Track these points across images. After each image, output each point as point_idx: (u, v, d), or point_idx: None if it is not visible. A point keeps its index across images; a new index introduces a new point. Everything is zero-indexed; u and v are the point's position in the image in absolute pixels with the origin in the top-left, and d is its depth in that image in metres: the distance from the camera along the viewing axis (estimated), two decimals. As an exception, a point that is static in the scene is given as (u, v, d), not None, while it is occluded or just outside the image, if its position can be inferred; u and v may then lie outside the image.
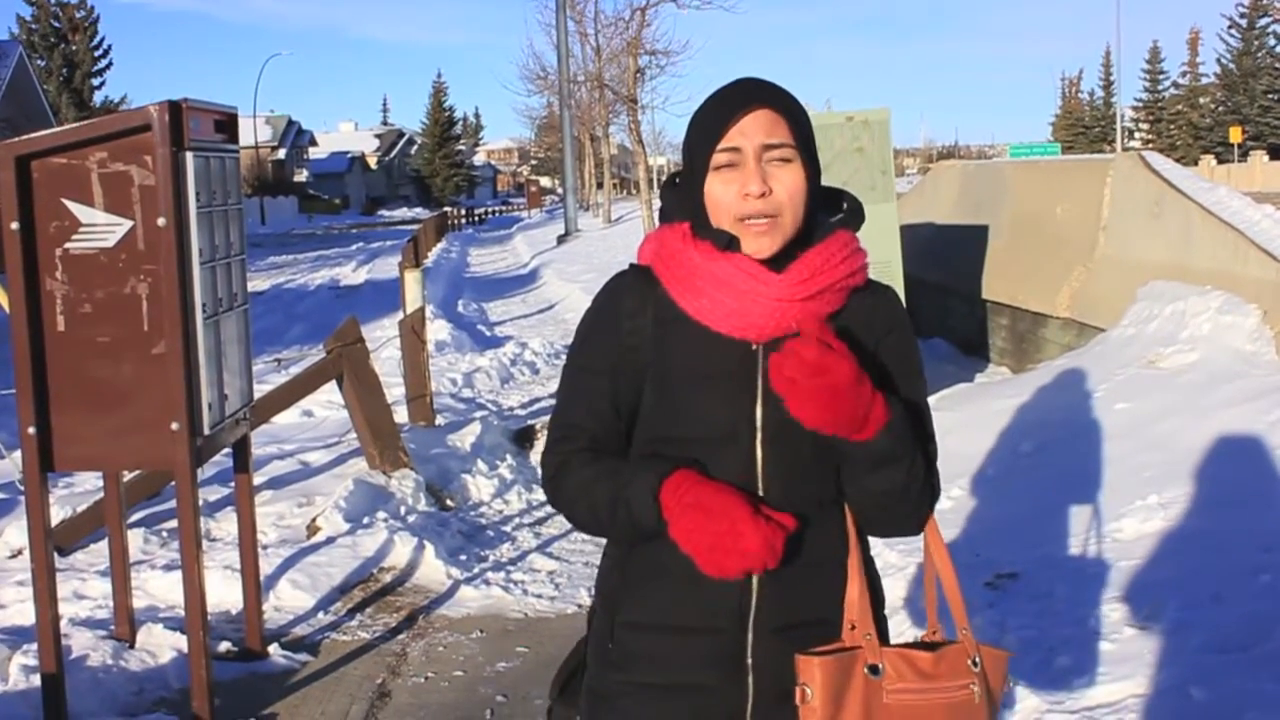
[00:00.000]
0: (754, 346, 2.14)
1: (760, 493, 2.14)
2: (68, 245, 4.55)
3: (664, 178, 2.33)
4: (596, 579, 2.35)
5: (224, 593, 6.00)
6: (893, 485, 2.12)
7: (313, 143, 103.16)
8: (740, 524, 2.00)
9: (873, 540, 2.33)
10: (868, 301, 2.23)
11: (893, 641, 2.21)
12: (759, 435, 2.14)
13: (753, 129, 2.09)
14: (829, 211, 2.21)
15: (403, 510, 7.48)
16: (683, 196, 2.21)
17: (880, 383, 2.14)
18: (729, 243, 2.12)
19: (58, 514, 6.88)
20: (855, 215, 2.24)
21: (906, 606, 5.14)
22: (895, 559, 5.56)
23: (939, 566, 2.28)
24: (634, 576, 2.22)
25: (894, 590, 5.29)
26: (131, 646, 5.39)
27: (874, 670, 2.10)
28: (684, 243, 2.16)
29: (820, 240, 2.16)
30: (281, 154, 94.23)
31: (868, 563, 2.24)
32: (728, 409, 2.14)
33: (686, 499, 2.03)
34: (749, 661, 2.16)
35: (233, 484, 5.94)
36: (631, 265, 2.28)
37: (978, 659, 2.18)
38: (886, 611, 4.90)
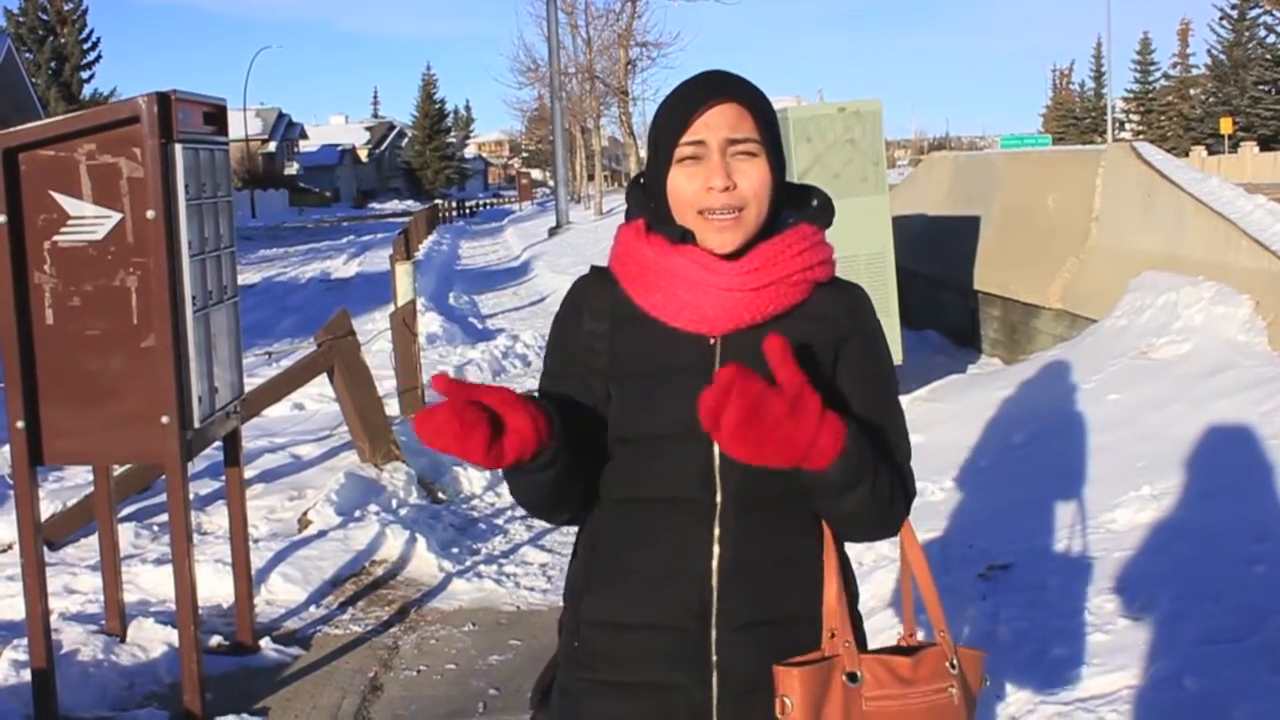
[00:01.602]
0: (711, 341, 2.12)
1: (719, 489, 2.12)
2: (56, 238, 4.53)
3: (633, 176, 2.31)
4: (565, 579, 2.32)
5: (215, 586, 5.98)
6: (858, 507, 2.07)
7: (303, 135, 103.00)
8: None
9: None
10: (834, 298, 2.19)
11: (873, 640, 2.20)
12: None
13: (717, 122, 2.07)
14: (798, 208, 2.19)
15: (394, 503, 7.47)
16: (646, 192, 2.19)
17: (841, 384, 2.14)
18: (682, 236, 2.10)
19: (47, 508, 6.85)
20: (823, 211, 2.21)
21: (895, 600, 5.13)
22: (887, 550, 5.55)
23: (915, 568, 2.26)
24: (597, 574, 2.20)
25: (885, 584, 5.28)
26: (122, 641, 5.37)
27: (852, 678, 2.07)
28: (637, 238, 2.15)
29: (778, 233, 2.13)
30: (272, 147, 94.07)
31: (843, 560, 2.20)
32: (686, 405, 2.07)
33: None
34: (713, 659, 2.13)
35: (223, 477, 5.92)
36: (593, 267, 2.27)
37: (955, 661, 2.16)
38: (875, 605, 4.90)
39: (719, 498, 2.12)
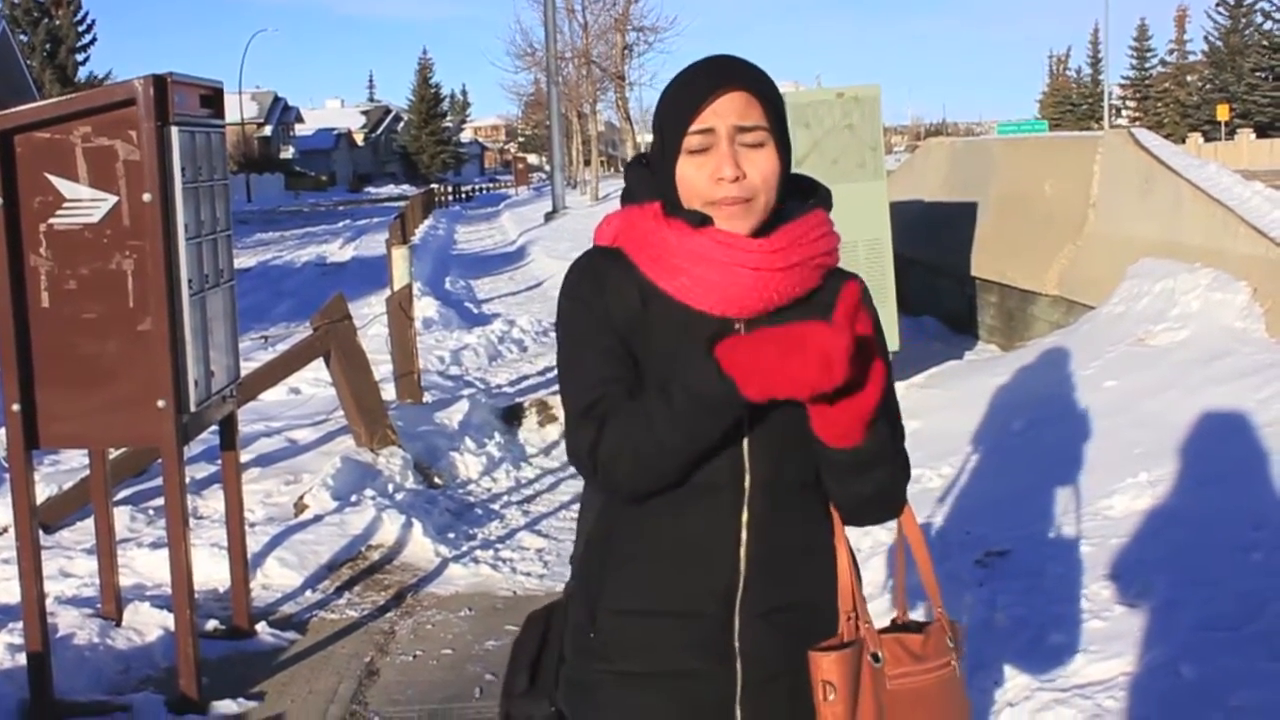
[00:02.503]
0: (737, 325, 2.10)
1: (747, 476, 2.10)
2: (52, 221, 4.51)
3: (633, 156, 2.28)
4: (574, 565, 2.28)
5: (211, 571, 5.97)
6: (878, 488, 2.10)
7: (299, 119, 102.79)
8: (808, 331, 1.90)
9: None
10: (839, 286, 2.18)
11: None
12: (745, 417, 2.08)
13: (726, 110, 2.05)
14: (799, 198, 2.18)
15: (390, 488, 7.46)
16: (651, 176, 2.17)
17: None
18: (702, 220, 2.08)
19: (43, 492, 6.84)
20: (825, 200, 2.21)
21: (891, 584, 5.13)
22: (884, 536, 5.55)
23: (913, 547, 2.28)
24: (616, 561, 2.17)
25: (882, 570, 5.29)
26: (118, 625, 5.36)
27: (875, 658, 2.11)
28: (656, 222, 2.11)
29: (794, 218, 2.13)
30: (268, 130, 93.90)
31: (849, 545, 2.22)
32: None
33: (744, 339, 1.95)
34: (736, 646, 2.13)
35: (219, 461, 5.91)
36: (597, 247, 2.21)
37: (954, 636, 2.21)
38: (871, 591, 4.91)
39: (747, 483, 2.10)
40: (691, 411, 1.98)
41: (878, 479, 2.09)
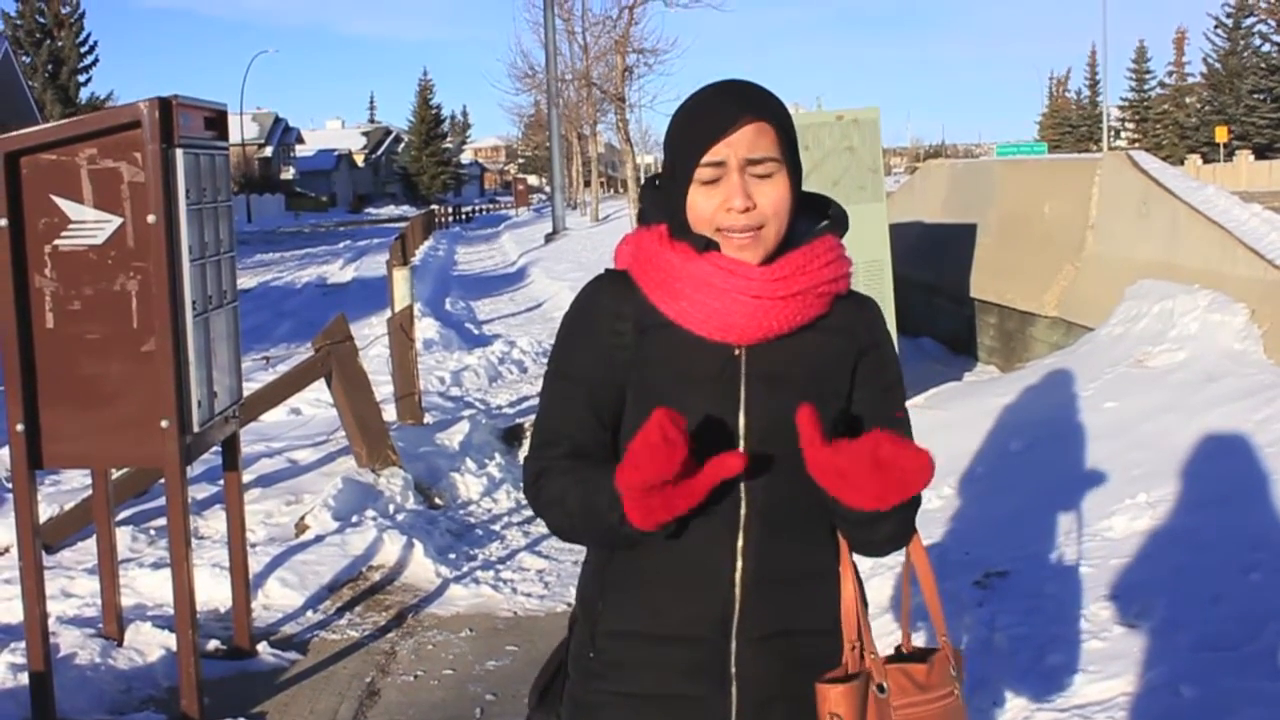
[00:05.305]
0: (736, 351, 2.11)
1: (744, 502, 2.11)
2: (57, 242, 4.53)
3: (647, 178, 2.30)
4: (577, 587, 2.31)
5: (213, 591, 5.98)
6: (886, 535, 2.12)
7: (300, 140, 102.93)
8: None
9: None
10: (852, 311, 2.20)
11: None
12: (742, 444, 2.10)
13: (738, 142, 2.05)
14: (812, 216, 2.18)
15: (391, 508, 7.47)
16: (663, 199, 2.17)
17: (858, 395, 2.17)
18: (707, 244, 2.09)
19: (45, 511, 6.85)
20: (839, 222, 2.20)
21: (894, 608, 5.14)
22: (886, 559, 5.55)
23: (919, 575, 2.27)
24: (615, 584, 2.19)
25: (883, 591, 5.29)
26: (120, 645, 5.37)
27: (881, 689, 2.11)
28: (661, 244, 2.12)
29: (805, 243, 2.13)
30: (268, 151, 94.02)
31: (855, 571, 2.22)
32: (710, 417, 2.10)
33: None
34: (733, 671, 2.14)
35: (221, 482, 5.92)
36: (608, 270, 2.23)
37: (957, 665, 2.20)
38: (871, 612, 4.92)
39: (743, 510, 2.11)
40: (596, 528, 2.09)
41: (891, 525, 2.09)
